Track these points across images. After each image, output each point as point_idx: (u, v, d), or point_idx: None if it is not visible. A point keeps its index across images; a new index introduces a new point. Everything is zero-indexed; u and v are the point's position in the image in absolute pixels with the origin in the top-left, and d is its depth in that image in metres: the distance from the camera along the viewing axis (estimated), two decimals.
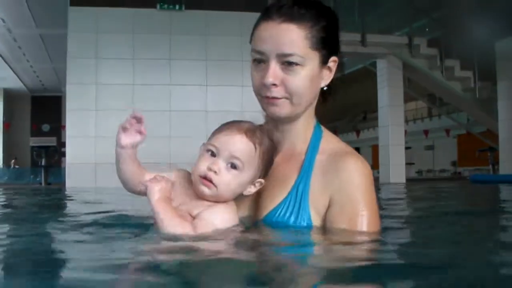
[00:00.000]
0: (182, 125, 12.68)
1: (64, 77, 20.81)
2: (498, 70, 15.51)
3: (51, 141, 18.96)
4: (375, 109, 17.74)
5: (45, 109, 29.47)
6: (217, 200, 2.22)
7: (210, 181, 2.18)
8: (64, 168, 20.07)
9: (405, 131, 18.07)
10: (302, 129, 2.40)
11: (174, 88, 12.69)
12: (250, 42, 2.32)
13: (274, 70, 2.25)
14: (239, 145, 2.22)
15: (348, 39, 15.08)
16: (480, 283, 1.43)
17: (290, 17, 2.25)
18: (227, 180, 2.20)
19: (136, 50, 12.58)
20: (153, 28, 12.71)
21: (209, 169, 2.18)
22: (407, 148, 17.44)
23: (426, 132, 28.66)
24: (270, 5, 2.31)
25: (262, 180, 2.29)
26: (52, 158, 18.92)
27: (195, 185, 2.23)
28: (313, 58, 2.27)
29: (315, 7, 2.32)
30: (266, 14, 2.27)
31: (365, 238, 2.12)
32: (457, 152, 28.56)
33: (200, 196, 2.22)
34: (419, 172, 29.03)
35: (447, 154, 29.09)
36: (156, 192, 2.16)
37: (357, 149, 2.43)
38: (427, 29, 17.25)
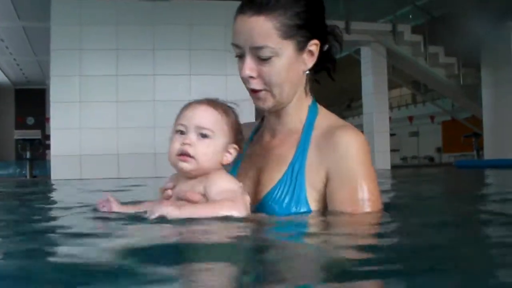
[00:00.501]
0: (167, 115, 12.61)
1: (48, 70, 20.78)
2: (482, 57, 15.56)
3: (35, 134, 18.88)
4: (359, 97, 17.79)
5: (29, 102, 29.36)
6: (201, 172, 2.28)
7: (187, 155, 2.25)
8: (49, 160, 20.00)
9: (390, 118, 18.13)
10: (295, 111, 2.42)
11: (158, 78, 12.70)
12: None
13: (250, 63, 2.28)
14: (204, 115, 2.29)
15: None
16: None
17: (259, 9, 2.26)
18: (203, 149, 2.27)
19: (120, 41, 12.56)
20: (136, 19, 12.68)
21: (183, 144, 2.25)
22: (391, 135, 17.52)
23: (410, 118, 28.77)
24: None
25: (236, 146, 2.34)
26: (37, 151, 18.88)
27: (176, 166, 2.30)
28: (287, 47, 2.28)
29: None
30: (241, 8, 2.28)
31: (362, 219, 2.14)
32: (441, 138, 28.66)
33: (185, 174, 2.30)
34: (404, 159, 29.16)
35: (432, 141, 29.20)
36: (167, 211, 2.10)
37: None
38: (410, 16, 17.31)
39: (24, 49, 20.80)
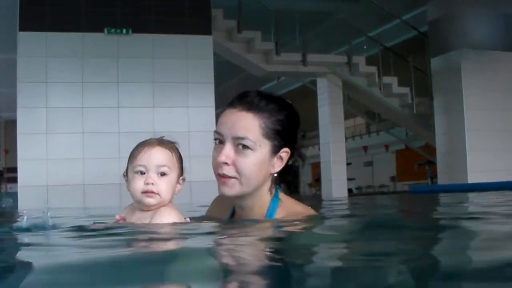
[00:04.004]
0: (131, 146, 12.77)
1: (5, 102, 20.63)
2: (434, 86, 16.02)
3: None
4: (314, 127, 18.09)
5: None
6: (162, 204, 2.68)
7: (152, 192, 2.63)
8: (11, 193, 19.98)
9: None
10: (258, 207, 2.71)
11: (123, 110, 12.85)
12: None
13: (228, 151, 2.60)
14: (161, 155, 2.70)
15: (289, 59, 15.48)
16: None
17: (249, 107, 2.61)
18: (163, 186, 2.66)
19: (85, 74, 12.70)
20: (101, 52, 12.85)
21: (147, 183, 2.63)
22: (347, 164, 17.88)
23: (365, 148, 29.11)
24: (236, 95, 2.69)
25: (183, 177, 2.77)
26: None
27: (140, 201, 2.69)
28: (264, 146, 2.59)
29: (275, 101, 2.66)
30: (231, 102, 2.65)
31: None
32: (395, 167, 29.01)
33: (147, 208, 2.68)
34: (359, 188, 29.41)
35: (386, 170, 29.49)
36: None
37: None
38: (365, 47, 17.71)
39: None
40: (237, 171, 2.59)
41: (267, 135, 2.59)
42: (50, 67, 12.55)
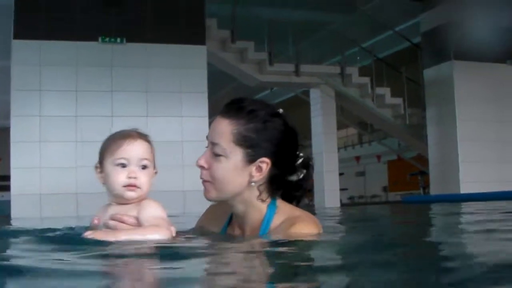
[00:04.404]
0: None
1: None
2: (427, 96, 16.07)
3: None
4: (306, 137, 18.10)
5: None
6: (142, 198, 2.65)
7: (135, 185, 2.60)
8: (1, 201, 19.92)
9: None
10: (253, 215, 2.66)
11: (116, 119, 12.83)
12: None
13: (206, 155, 2.63)
14: (142, 148, 2.66)
15: (282, 69, 15.51)
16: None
17: (228, 113, 2.61)
18: (146, 179, 2.63)
19: (79, 82, 12.69)
20: (95, 61, 12.85)
21: (129, 177, 2.60)
22: (340, 174, 17.89)
23: (357, 158, 29.12)
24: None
25: (156, 170, 2.73)
26: None
27: (121, 195, 2.64)
28: (236, 153, 2.57)
29: (261, 109, 2.62)
30: (221, 108, 2.64)
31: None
32: (387, 177, 29.01)
33: (127, 202, 2.64)
34: (351, 198, 29.40)
35: (378, 180, 29.48)
36: (103, 236, 2.47)
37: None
38: (358, 58, 17.76)
39: None
40: (211, 175, 2.61)
41: (237, 142, 2.56)
42: (44, 75, 12.54)
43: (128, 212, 2.62)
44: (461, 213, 7.46)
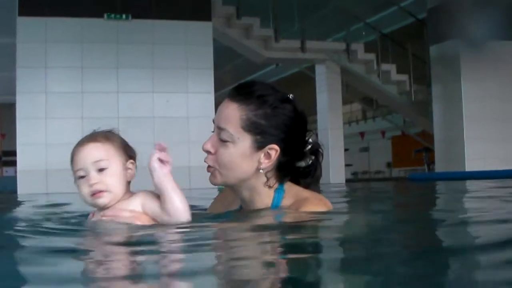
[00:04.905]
0: (130, 131, 12.74)
1: (2, 86, 20.63)
2: (433, 73, 16.01)
3: None
4: (311, 113, 18.08)
5: None
6: (116, 199, 2.49)
7: (99, 191, 2.46)
8: (7, 177, 19.97)
9: None
10: (261, 200, 2.59)
11: (122, 95, 12.85)
12: None
13: (213, 140, 2.53)
14: (91, 150, 2.50)
15: (288, 45, 15.48)
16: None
17: (236, 96, 2.51)
18: (109, 180, 2.47)
19: (85, 59, 12.69)
20: (101, 37, 12.84)
21: (90, 186, 2.45)
22: (345, 149, 17.88)
23: (362, 134, 29.09)
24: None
25: (132, 160, 2.57)
26: None
27: (94, 205, 2.53)
28: (244, 139, 2.47)
29: (270, 95, 2.53)
30: (229, 91, 2.54)
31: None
32: (391, 153, 29.00)
33: (104, 207, 2.50)
34: (355, 174, 29.40)
35: (382, 156, 29.46)
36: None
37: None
38: (363, 33, 17.69)
39: None
40: (217, 161, 2.52)
41: (247, 128, 2.47)
42: (49, 52, 12.53)
43: (128, 206, 2.51)
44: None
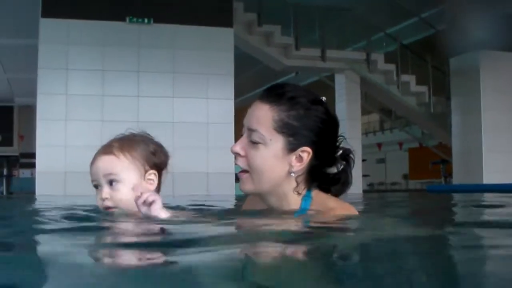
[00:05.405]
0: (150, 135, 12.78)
1: (22, 88, 20.67)
2: (452, 85, 15.98)
3: (12, 151, 19.08)
4: None
5: None
6: (129, 211, 2.47)
7: (109, 208, 2.49)
8: (23, 178, 20.03)
9: None
10: (284, 203, 2.53)
11: (142, 99, 12.88)
12: None
13: (243, 141, 2.46)
14: (104, 163, 2.53)
15: (308, 54, 15.48)
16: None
17: (268, 99, 2.44)
18: (119, 196, 2.50)
19: (106, 62, 12.73)
20: (122, 41, 12.88)
21: (102, 199, 2.49)
22: (362, 160, 17.84)
23: (379, 145, 29.00)
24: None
25: (154, 171, 2.59)
26: (14, 168, 19.05)
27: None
28: (276, 140, 2.40)
29: (302, 96, 2.48)
30: (260, 93, 2.49)
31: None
32: (408, 165, 28.90)
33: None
34: (371, 185, 29.28)
35: (399, 167, 29.36)
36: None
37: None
38: (384, 44, 17.65)
39: None
40: (248, 164, 2.45)
41: (279, 129, 2.40)
42: (71, 54, 12.59)
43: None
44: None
